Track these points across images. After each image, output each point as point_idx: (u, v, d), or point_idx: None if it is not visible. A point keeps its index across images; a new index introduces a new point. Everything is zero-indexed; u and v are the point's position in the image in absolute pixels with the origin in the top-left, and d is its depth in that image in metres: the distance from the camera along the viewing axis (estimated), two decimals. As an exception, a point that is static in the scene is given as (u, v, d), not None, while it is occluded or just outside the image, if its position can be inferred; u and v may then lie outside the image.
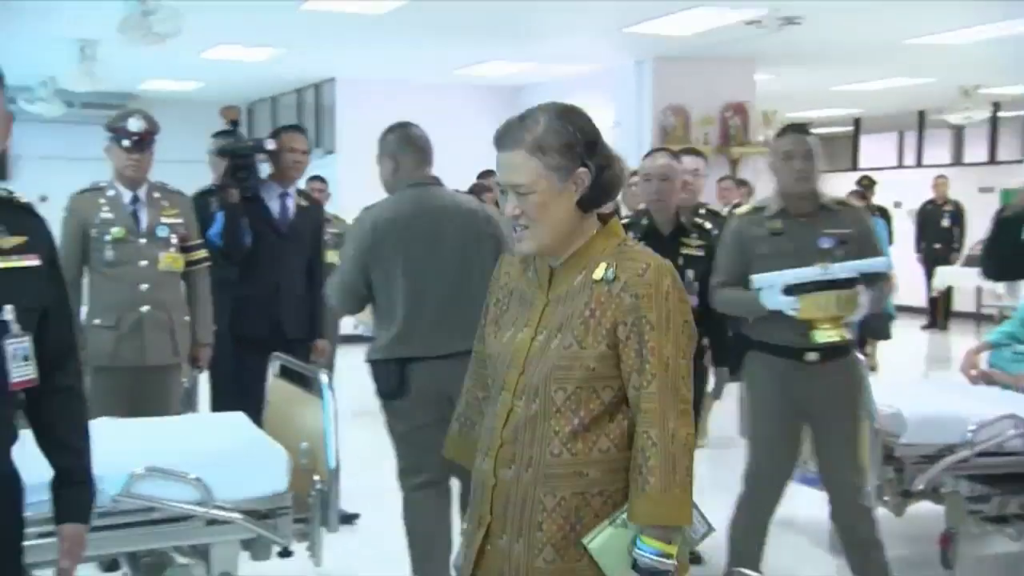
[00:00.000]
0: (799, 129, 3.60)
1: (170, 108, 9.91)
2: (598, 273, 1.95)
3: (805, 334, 3.40)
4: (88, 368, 4.01)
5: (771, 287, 3.42)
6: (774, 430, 3.64)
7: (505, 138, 1.97)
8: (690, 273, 3.90)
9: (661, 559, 1.86)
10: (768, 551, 4.07)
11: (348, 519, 4.76)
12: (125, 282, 4.15)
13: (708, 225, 4.20)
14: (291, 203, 4.76)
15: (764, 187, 9.91)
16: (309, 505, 3.20)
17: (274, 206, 4.71)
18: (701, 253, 3.97)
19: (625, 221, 4.18)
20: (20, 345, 1.99)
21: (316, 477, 3.20)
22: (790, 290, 3.38)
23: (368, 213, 3.70)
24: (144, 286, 4.15)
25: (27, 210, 2.11)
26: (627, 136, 9.93)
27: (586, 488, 1.92)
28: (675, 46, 9.01)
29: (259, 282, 4.64)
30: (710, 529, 2.06)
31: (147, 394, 4.22)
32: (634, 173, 4.89)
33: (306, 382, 3.70)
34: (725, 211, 6.56)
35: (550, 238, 1.97)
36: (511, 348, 2.01)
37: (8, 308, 1.97)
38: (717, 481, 4.68)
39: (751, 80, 10.25)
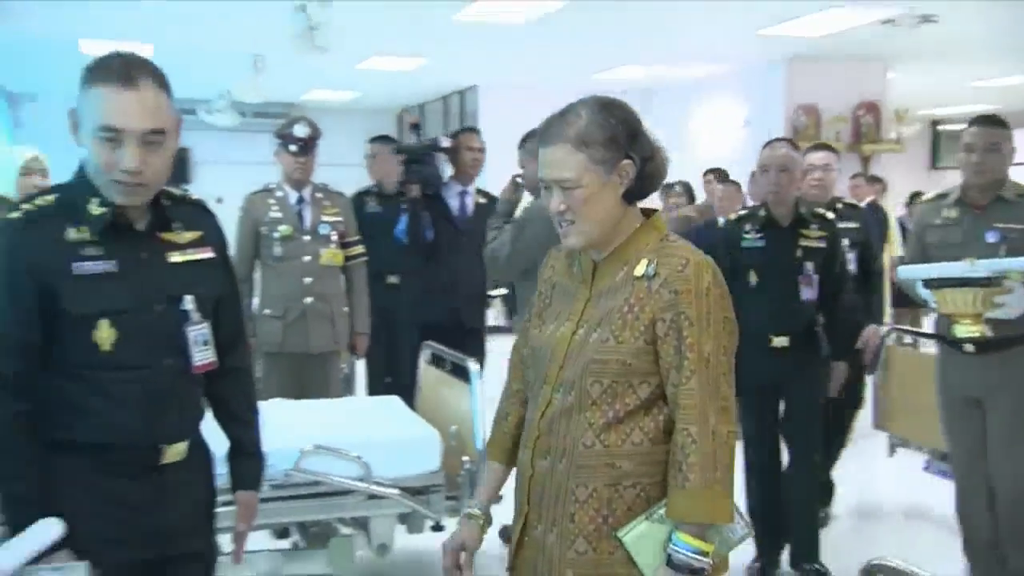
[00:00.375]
0: (986, 121, 3.37)
1: (329, 116, 10.15)
2: (639, 270, 1.85)
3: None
4: (259, 353, 4.18)
5: (915, 280, 3.30)
6: (952, 421, 3.52)
7: (548, 134, 1.87)
8: (809, 265, 3.71)
9: (697, 556, 1.76)
10: (902, 543, 3.95)
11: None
12: (291, 276, 4.29)
13: (830, 216, 3.95)
14: (470, 200, 4.86)
15: (897, 183, 9.62)
16: (459, 483, 3.26)
17: (454, 203, 4.82)
18: (822, 244, 3.76)
19: (743, 212, 4.03)
20: (201, 331, 2.04)
21: (465, 458, 3.25)
22: (930, 284, 3.25)
23: (536, 206, 3.73)
24: (308, 279, 4.29)
25: (201, 208, 2.17)
26: (758, 135, 9.61)
27: (618, 480, 1.82)
28: (808, 46, 8.72)
29: (440, 274, 4.73)
30: (750, 531, 1.92)
31: (311, 378, 4.36)
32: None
33: (456, 369, 3.76)
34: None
35: (597, 231, 1.87)
36: (552, 342, 1.93)
37: (189, 298, 2.02)
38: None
39: (884, 78, 9.85)
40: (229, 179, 9.34)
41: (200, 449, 2.12)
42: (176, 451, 2.02)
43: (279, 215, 4.31)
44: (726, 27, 8.09)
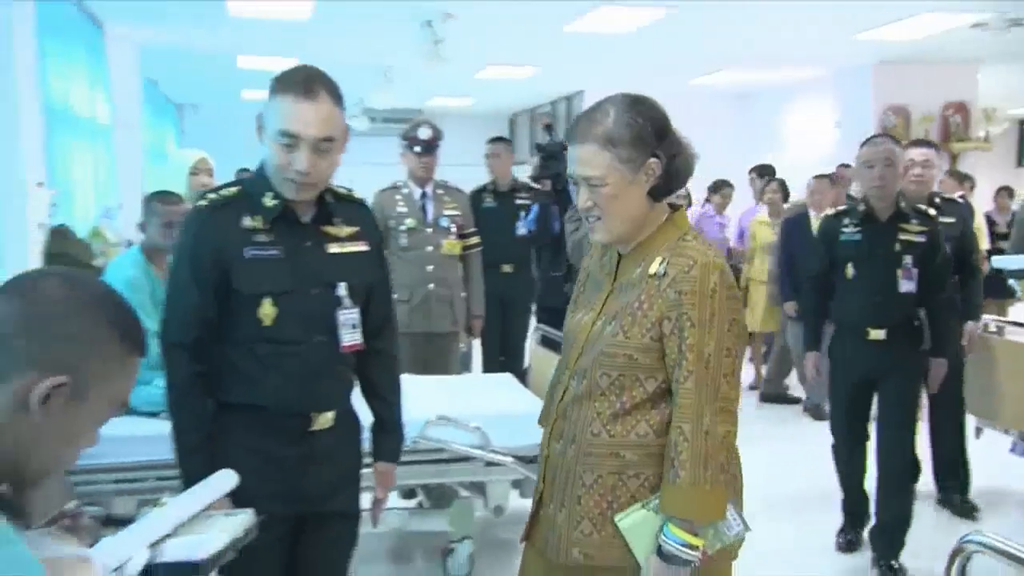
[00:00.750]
0: None
1: (449, 120, 10.26)
2: (653, 267, 1.76)
3: None
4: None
5: (1007, 268, 3.14)
6: None
7: (576, 132, 1.77)
8: (908, 259, 3.46)
9: (685, 549, 1.68)
10: (989, 523, 3.77)
11: None
12: (415, 264, 4.36)
13: (932, 212, 3.70)
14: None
15: (984, 180, 9.16)
16: (567, 454, 3.26)
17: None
18: (922, 239, 3.49)
19: (842, 208, 3.83)
20: (351, 315, 2.08)
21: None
22: (1013, 274, 3.08)
23: None
24: (430, 267, 4.35)
25: (360, 205, 2.21)
26: (848, 136, 9.35)
27: (622, 469, 1.75)
28: (899, 50, 8.38)
29: (561, 263, 4.68)
30: (745, 529, 1.79)
31: (433, 356, 4.42)
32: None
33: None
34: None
35: (623, 227, 1.78)
36: (577, 329, 1.86)
37: (342, 285, 2.06)
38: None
39: (973, 79, 9.40)
40: (360, 178, 9.51)
41: (349, 419, 2.16)
42: (325, 419, 2.06)
43: (405, 210, 4.38)
44: (820, 32, 7.84)
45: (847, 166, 8.09)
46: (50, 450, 1.12)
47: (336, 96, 1.98)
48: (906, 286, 3.46)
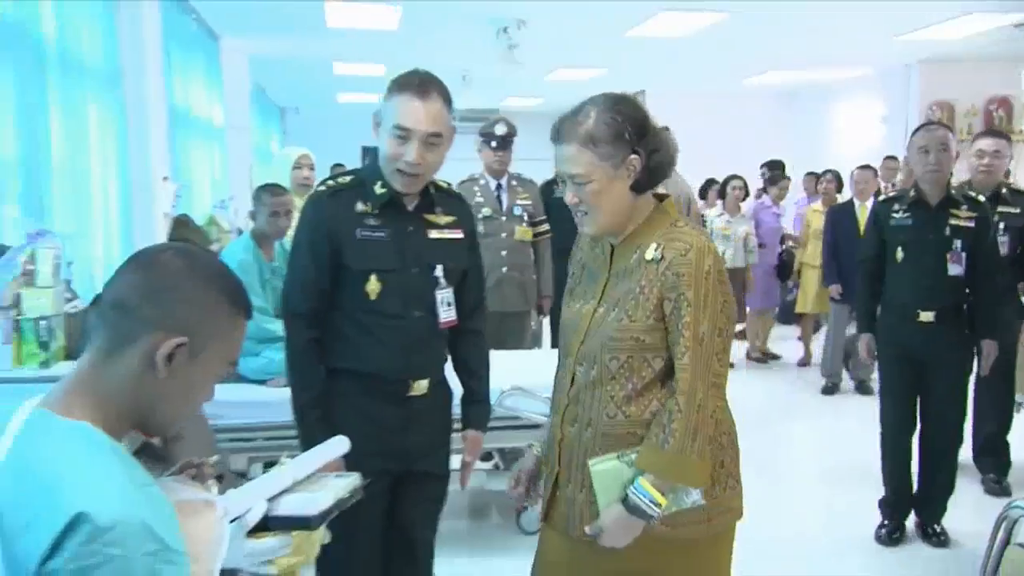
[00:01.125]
0: None
1: (521, 118, 10.20)
2: (649, 253, 1.70)
3: None
4: None
5: None
6: None
7: (561, 132, 1.71)
8: (957, 243, 3.29)
9: (651, 504, 1.63)
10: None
11: None
12: (491, 249, 4.37)
13: (982, 199, 3.47)
14: None
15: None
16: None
17: None
18: (971, 224, 3.30)
19: (892, 194, 3.66)
20: (446, 294, 2.12)
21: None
22: None
23: None
24: (504, 252, 4.37)
25: (459, 198, 2.25)
26: (894, 131, 9.12)
27: (639, 445, 1.70)
28: (943, 49, 8.07)
29: None
30: (698, 501, 1.70)
31: (507, 332, 4.44)
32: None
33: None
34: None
35: (608, 221, 1.72)
36: (577, 318, 1.80)
37: (439, 267, 2.11)
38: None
39: (1016, 75, 8.97)
40: (441, 171, 9.61)
41: (442, 387, 2.21)
42: (420, 386, 2.11)
43: (482, 200, 4.40)
44: (867, 34, 7.60)
45: (893, 158, 7.89)
46: (173, 403, 1.16)
47: (446, 98, 2.03)
48: (955, 270, 3.30)
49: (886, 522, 3.58)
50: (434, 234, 2.11)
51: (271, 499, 1.41)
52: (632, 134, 1.68)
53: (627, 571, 1.75)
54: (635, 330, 1.68)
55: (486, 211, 4.35)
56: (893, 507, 3.57)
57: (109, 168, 4.22)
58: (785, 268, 6.95)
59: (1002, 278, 3.57)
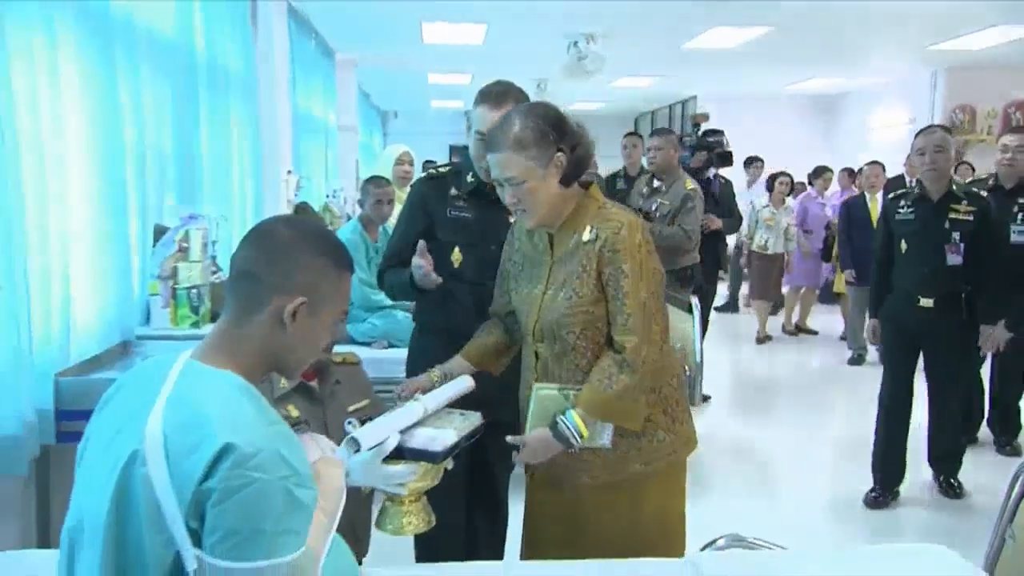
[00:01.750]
0: None
1: (587, 120, 10.11)
2: (585, 236, 1.65)
3: None
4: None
5: None
6: None
7: (493, 142, 1.64)
8: (956, 235, 3.12)
9: (576, 435, 1.59)
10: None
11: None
12: None
13: (983, 194, 3.29)
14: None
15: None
16: (683, 385, 3.19)
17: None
18: (970, 218, 3.12)
19: (901, 191, 3.44)
20: None
21: (686, 367, 3.16)
22: None
23: None
24: None
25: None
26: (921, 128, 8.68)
27: None
28: (968, 57, 7.61)
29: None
30: (606, 444, 1.66)
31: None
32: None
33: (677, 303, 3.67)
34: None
35: (545, 213, 1.66)
36: (528, 301, 1.74)
37: (456, 249, 2.11)
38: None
39: (1036, 81, 8.46)
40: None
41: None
42: None
43: None
44: (899, 45, 7.23)
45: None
46: (299, 352, 1.18)
47: (520, 104, 1.98)
48: (953, 260, 3.13)
49: (875, 487, 3.41)
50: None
51: (404, 431, 1.44)
52: (553, 133, 1.62)
53: (608, 505, 1.73)
54: (584, 304, 1.64)
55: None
56: (881, 472, 3.40)
57: (245, 163, 4.32)
58: (828, 251, 6.73)
59: (1017, 265, 3.36)
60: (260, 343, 1.13)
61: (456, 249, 2.09)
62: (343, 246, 1.23)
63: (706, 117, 4.89)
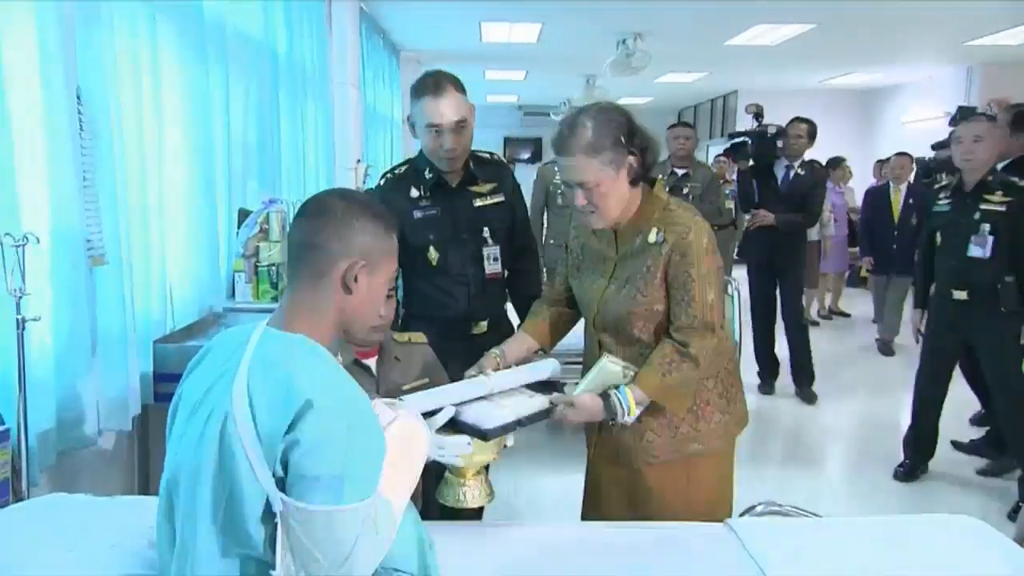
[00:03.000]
0: None
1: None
2: (651, 238, 1.59)
3: None
4: (546, 271, 4.27)
5: None
6: None
7: (562, 146, 1.56)
8: (985, 226, 2.85)
9: (625, 412, 1.55)
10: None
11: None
12: (568, 219, 4.27)
13: (1022, 183, 2.95)
14: (791, 173, 4.34)
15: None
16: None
17: (779, 173, 4.36)
18: (1002, 208, 2.84)
19: (943, 183, 3.28)
20: (493, 251, 2.07)
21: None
22: None
23: None
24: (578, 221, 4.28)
25: (498, 163, 2.16)
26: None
27: None
28: (1003, 53, 7.19)
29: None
30: (629, 423, 1.59)
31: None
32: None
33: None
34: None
35: (614, 215, 1.60)
36: (590, 293, 1.69)
37: (486, 229, 2.06)
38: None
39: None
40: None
41: (502, 323, 2.15)
42: (481, 326, 2.08)
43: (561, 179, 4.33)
44: (935, 41, 6.87)
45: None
46: (363, 313, 1.19)
47: (459, 87, 1.94)
48: (976, 252, 2.87)
49: (905, 460, 3.30)
50: (479, 202, 2.05)
51: (461, 404, 1.38)
52: (626, 136, 1.55)
53: (666, 479, 1.69)
54: (649, 303, 1.61)
55: (564, 188, 4.28)
56: (913, 448, 3.27)
57: (319, 152, 4.38)
58: (854, 237, 6.50)
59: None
60: (328, 307, 1.14)
61: (430, 248, 2.00)
62: (388, 210, 1.24)
63: (756, 108, 4.59)
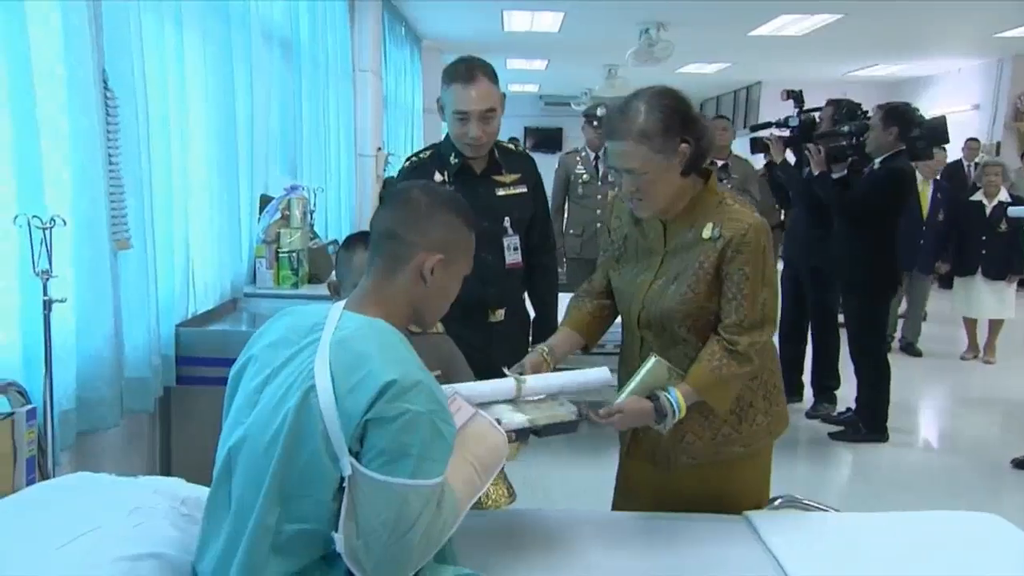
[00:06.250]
0: None
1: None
2: (706, 232, 1.50)
3: None
4: (565, 259, 4.26)
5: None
6: None
7: (613, 130, 1.48)
8: None
9: (675, 412, 1.47)
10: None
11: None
12: (588, 208, 4.32)
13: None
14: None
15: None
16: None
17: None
18: None
19: None
20: (513, 240, 2.05)
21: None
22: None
23: None
24: (598, 211, 4.25)
25: (524, 155, 2.14)
26: (985, 115, 8.17)
27: None
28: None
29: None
30: (669, 425, 1.52)
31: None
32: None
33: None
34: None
35: (663, 204, 1.52)
36: (633, 287, 1.59)
37: (506, 218, 2.04)
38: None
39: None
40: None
41: (519, 314, 2.13)
42: (498, 314, 2.06)
43: (582, 169, 4.33)
44: (965, 33, 6.72)
45: (975, 140, 7.11)
46: (435, 303, 1.22)
47: (492, 76, 1.91)
48: None
49: None
50: (501, 192, 2.03)
51: (483, 405, 1.32)
52: (680, 124, 1.47)
53: (702, 480, 1.63)
54: (700, 300, 1.53)
55: (585, 177, 4.31)
56: None
57: (341, 140, 4.39)
58: None
59: None
60: (404, 295, 1.17)
61: None
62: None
63: (788, 93, 4.17)
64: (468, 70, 1.90)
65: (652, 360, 1.53)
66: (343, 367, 1.07)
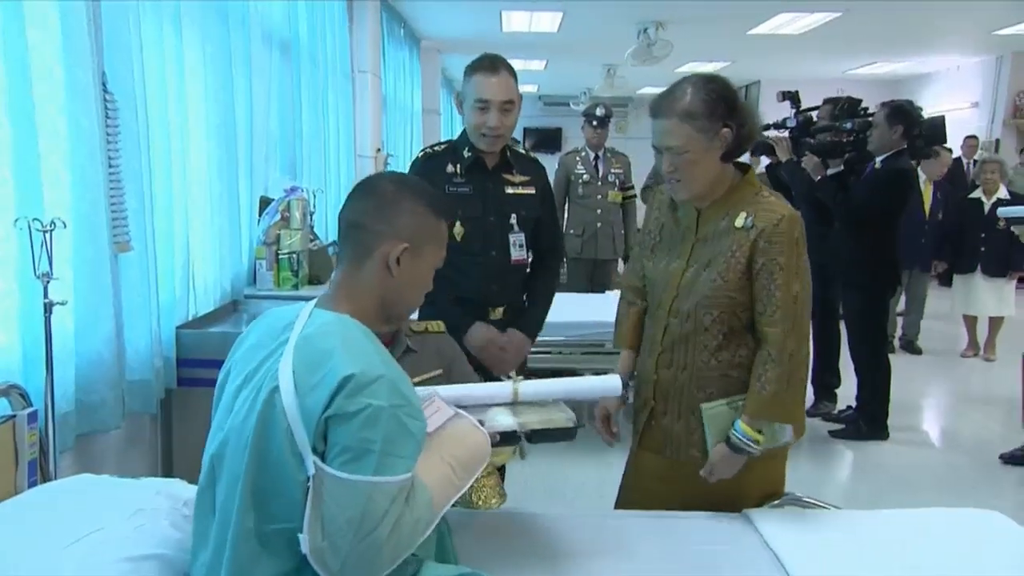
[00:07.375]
0: None
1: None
2: (739, 222, 1.52)
3: None
4: (565, 259, 4.29)
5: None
6: None
7: (659, 108, 1.52)
8: None
9: (748, 443, 1.52)
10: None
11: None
12: (588, 208, 4.36)
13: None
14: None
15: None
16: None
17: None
18: None
19: None
20: (519, 237, 2.07)
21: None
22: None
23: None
24: (598, 211, 4.33)
25: (534, 160, 2.17)
26: (984, 112, 8.17)
27: (729, 385, 1.57)
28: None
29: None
30: (789, 440, 1.58)
31: (598, 276, 4.44)
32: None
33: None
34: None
35: (700, 188, 1.54)
36: (666, 275, 1.62)
37: (513, 215, 2.06)
38: None
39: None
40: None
41: (519, 312, 2.12)
42: (498, 312, 2.07)
43: (582, 169, 4.36)
44: (964, 30, 6.72)
45: (973, 138, 7.13)
46: (406, 295, 1.20)
47: (512, 72, 1.97)
48: None
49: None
50: (510, 190, 2.06)
51: (469, 407, 1.27)
52: (724, 109, 1.50)
53: (715, 483, 1.62)
54: (729, 289, 1.54)
55: (585, 177, 4.36)
56: None
57: (341, 141, 4.39)
58: None
59: None
60: (372, 288, 1.15)
61: (457, 223, 1.99)
62: (441, 197, 1.25)
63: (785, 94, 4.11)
64: (492, 62, 1.97)
65: (703, 413, 1.57)
66: (305, 365, 1.05)
